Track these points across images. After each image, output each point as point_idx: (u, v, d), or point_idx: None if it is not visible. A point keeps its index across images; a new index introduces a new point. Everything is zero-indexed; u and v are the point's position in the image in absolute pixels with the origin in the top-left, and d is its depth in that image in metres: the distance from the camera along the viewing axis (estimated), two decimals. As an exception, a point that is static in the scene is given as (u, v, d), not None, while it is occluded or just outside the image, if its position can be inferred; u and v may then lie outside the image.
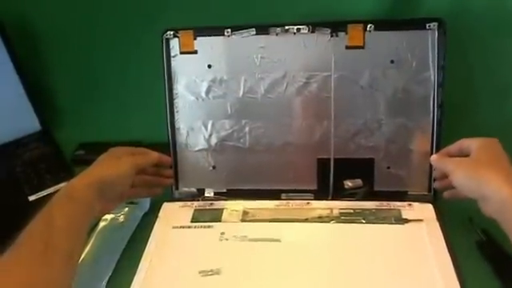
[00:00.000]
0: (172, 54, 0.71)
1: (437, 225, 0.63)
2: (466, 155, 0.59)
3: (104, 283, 0.59)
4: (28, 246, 0.49)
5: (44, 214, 0.52)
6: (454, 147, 0.63)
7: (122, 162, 0.63)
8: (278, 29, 0.69)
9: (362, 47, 0.68)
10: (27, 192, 0.76)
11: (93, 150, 0.84)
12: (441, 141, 0.68)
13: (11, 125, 0.85)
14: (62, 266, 0.50)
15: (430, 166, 0.69)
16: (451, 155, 0.62)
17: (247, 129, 0.72)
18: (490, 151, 0.57)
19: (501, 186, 0.51)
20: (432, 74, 0.67)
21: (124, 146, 0.67)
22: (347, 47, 0.68)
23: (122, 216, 0.71)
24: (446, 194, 0.64)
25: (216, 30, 0.70)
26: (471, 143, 0.59)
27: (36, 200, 0.75)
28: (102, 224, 0.70)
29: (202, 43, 0.71)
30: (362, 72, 0.68)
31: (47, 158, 0.83)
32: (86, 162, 0.81)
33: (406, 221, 0.65)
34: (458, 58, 0.73)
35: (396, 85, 0.68)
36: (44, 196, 0.75)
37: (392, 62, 0.68)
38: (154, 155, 0.68)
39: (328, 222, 0.66)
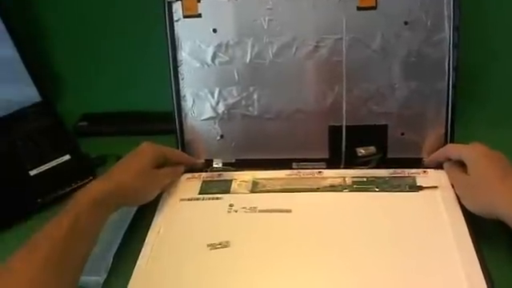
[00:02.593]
0: (175, 19, 0.68)
1: (452, 191, 0.61)
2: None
3: (111, 256, 0.59)
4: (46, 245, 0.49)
5: (68, 215, 0.52)
6: (440, 155, 0.64)
7: (148, 184, 0.63)
8: (286, -12, 0.66)
9: (375, 8, 0.65)
10: (28, 166, 0.73)
11: (96, 121, 0.84)
12: (456, 105, 0.66)
13: (10, 97, 0.82)
14: (77, 270, 0.50)
15: (445, 131, 0.67)
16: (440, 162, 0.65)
17: (256, 96, 0.70)
18: (490, 163, 0.57)
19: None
20: (447, 35, 0.64)
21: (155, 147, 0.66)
22: (359, 8, 0.65)
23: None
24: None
25: (221, -9, 0.67)
26: (462, 153, 0.60)
27: (37, 174, 0.72)
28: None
29: (206, 6, 0.68)
30: (375, 34, 0.66)
31: (48, 130, 0.81)
32: (90, 134, 0.82)
33: (421, 188, 0.63)
34: (474, 16, 0.70)
35: (410, 47, 0.66)
36: (45, 170, 0.73)
37: (406, 23, 0.65)
38: (189, 162, 0.71)
39: (340, 190, 0.64)
